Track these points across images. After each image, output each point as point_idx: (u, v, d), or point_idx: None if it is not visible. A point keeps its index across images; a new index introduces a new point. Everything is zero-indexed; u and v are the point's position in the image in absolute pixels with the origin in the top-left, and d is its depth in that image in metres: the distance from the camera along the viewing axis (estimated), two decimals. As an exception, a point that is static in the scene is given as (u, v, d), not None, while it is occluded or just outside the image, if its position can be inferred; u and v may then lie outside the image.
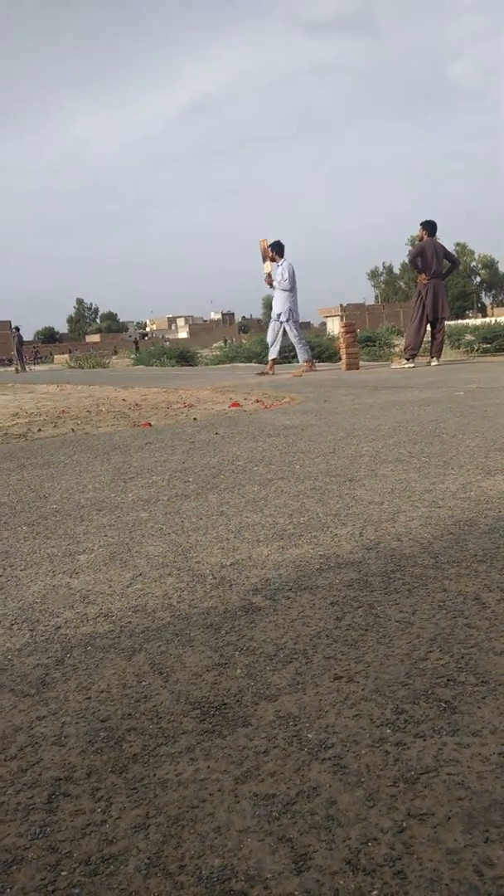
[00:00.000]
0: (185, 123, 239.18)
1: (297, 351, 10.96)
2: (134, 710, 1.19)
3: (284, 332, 10.67)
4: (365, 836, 0.85)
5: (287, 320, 10.60)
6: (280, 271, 10.52)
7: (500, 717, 1.07)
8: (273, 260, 10.55)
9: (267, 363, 11.14)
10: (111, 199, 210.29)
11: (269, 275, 10.58)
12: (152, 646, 1.42)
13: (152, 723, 1.14)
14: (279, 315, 10.62)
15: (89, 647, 1.44)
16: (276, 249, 10.57)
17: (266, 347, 11.48)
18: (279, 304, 10.64)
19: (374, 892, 0.77)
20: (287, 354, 15.55)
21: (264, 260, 10.61)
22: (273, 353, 10.78)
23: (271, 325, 10.84)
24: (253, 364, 15.63)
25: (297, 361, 11.87)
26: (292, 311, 10.61)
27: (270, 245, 10.59)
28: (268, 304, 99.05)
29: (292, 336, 10.71)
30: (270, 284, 10.61)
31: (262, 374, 10.64)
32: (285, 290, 10.51)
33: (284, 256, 10.55)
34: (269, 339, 10.93)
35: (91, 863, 0.85)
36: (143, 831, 0.90)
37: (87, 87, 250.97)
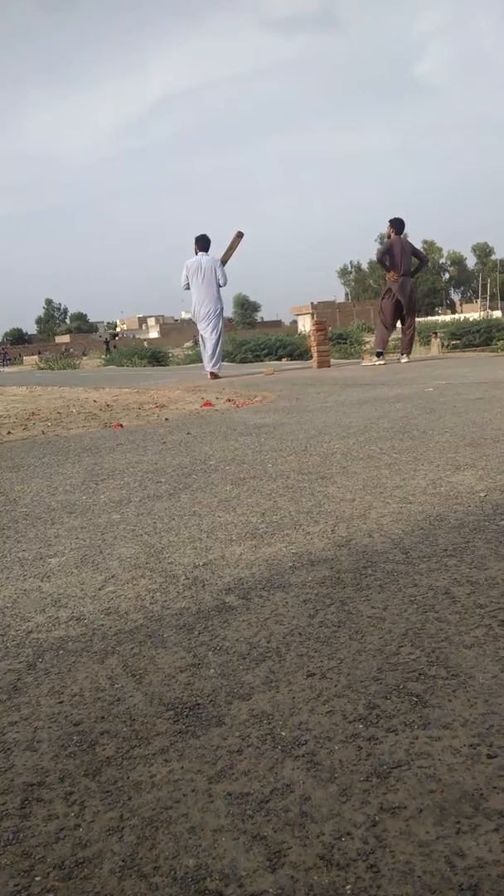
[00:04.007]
0: (150, 121, 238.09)
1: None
2: (107, 712, 1.18)
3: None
4: (338, 832, 0.86)
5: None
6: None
7: (470, 709, 1.09)
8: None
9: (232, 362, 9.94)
10: (76, 195, 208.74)
11: None
12: (125, 648, 1.42)
13: (126, 725, 1.14)
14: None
15: (61, 651, 1.43)
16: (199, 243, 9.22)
17: (236, 346, 11.28)
18: None
19: (348, 887, 0.78)
20: (259, 353, 15.56)
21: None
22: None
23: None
24: (224, 363, 15.59)
25: (268, 360, 11.54)
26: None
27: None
28: (239, 303, 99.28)
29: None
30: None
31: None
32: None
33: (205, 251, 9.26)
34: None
35: (65, 867, 0.85)
36: (117, 834, 0.89)
37: (50, 80, 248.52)
